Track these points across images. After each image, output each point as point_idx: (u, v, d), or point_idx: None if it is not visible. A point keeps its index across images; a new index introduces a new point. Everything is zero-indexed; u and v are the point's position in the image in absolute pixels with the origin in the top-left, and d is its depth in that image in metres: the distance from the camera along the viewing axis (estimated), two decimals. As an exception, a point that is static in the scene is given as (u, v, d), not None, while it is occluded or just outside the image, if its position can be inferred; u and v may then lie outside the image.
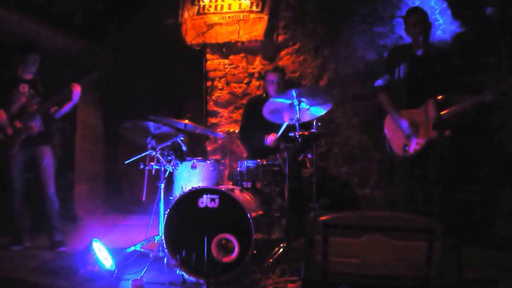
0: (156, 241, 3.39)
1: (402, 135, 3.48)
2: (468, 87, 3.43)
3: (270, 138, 4.02)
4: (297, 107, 3.45)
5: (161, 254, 3.24)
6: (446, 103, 3.31)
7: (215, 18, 5.17)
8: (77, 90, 3.97)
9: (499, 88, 3.09)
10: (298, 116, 3.45)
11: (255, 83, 5.19)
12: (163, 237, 3.15)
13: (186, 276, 3.01)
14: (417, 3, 4.48)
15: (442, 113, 3.30)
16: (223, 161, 3.75)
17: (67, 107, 4.10)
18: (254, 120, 4.22)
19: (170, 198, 3.49)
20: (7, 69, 4.14)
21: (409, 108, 3.48)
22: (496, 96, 3.11)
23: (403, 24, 3.69)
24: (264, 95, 4.38)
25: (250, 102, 4.56)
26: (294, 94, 3.38)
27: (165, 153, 3.48)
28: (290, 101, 3.47)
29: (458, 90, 3.37)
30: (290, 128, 3.61)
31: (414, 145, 3.42)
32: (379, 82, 3.70)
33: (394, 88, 3.59)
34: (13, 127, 3.93)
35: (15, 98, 4.00)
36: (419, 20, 3.47)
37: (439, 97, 3.32)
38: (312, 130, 3.46)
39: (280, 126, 3.81)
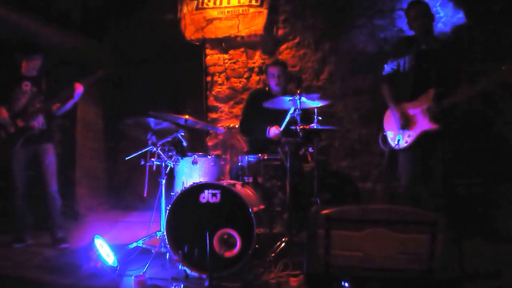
0: (158, 237, 3.39)
1: (396, 127, 3.50)
2: (470, 79, 3.41)
3: (273, 131, 3.94)
4: (298, 100, 3.45)
5: (163, 249, 3.24)
6: (444, 95, 3.28)
7: (214, 13, 5.15)
8: (79, 89, 3.97)
9: (494, 78, 3.03)
10: (299, 109, 3.45)
11: (255, 77, 5.17)
12: (165, 233, 3.14)
13: (188, 271, 3.01)
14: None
15: (438, 103, 3.27)
16: (224, 156, 3.76)
17: (68, 105, 4.09)
18: (255, 113, 4.20)
19: (172, 193, 3.49)
20: (9, 67, 4.13)
21: (412, 100, 3.46)
22: (490, 86, 3.07)
23: (404, 16, 3.67)
24: (266, 88, 4.36)
25: (252, 95, 4.52)
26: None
27: (166, 149, 3.47)
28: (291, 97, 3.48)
29: (456, 82, 3.34)
30: (291, 122, 3.60)
31: (406, 137, 3.43)
32: (387, 70, 3.65)
33: (398, 80, 3.57)
34: (15, 125, 3.93)
35: (18, 96, 3.99)
36: (420, 13, 3.44)
37: (436, 89, 3.30)
38: (313, 125, 3.46)
39: (282, 116, 3.78)
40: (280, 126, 3.84)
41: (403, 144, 3.44)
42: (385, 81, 3.63)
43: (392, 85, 3.59)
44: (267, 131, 3.99)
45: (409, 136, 3.40)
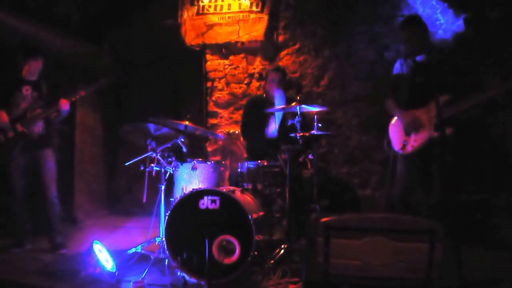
0: (157, 243, 3.38)
1: (403, 132, 3.50)
2: (471, 88, 3.42)
3: (271, 127, 4.08)
4: (298, 108, 3.46)
5: (162, 255, 3.23)
6: (448, 103, 3.29)
7: (214, 19, 5.16)
8: (65, 106, 3.96)
9: (496, 89, 3.07)
10: (298, 117, 3.46)
11: (255, 83, 5.18)
12: (164, 239, 3.14)
13: (187, 277, 3.00)
14: (418, 3, 4.46)
15: (442, 112, 3.28)
16: (223, 162, 3.74)
17: (61, 116, 4.08)
18: (254, 120, 4.23)
19: (171, 199, 3.48)
20: (10, 71, 4.13)
21: (412, 108, 3.47)
22: (491, 96, 3.10)
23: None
24: (264, 95, 4.37)
25: (250, 102, 4.54)
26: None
27: (166, 155, 3.48)
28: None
29: (460, 90, 3.35)
30: (291, 129, 3.61)
31: (412, 142, 3.44)
32: (396, 70, 3.66)
33: (398, 91, 3.59)
34: (14, 130, 3.92)
35: (18, 100, 3.99)
36: (412, 36, 3.44)
37: (442, 97, 3.30)
38: (313, 131, 3.47)
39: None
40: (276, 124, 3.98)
41: (408, 149, 3.45)
42: (389, 96, 3.64)
43: (395, 95, 3.60)
44: (266, 132, 4.11)
45: (415, 140, 3.41)
